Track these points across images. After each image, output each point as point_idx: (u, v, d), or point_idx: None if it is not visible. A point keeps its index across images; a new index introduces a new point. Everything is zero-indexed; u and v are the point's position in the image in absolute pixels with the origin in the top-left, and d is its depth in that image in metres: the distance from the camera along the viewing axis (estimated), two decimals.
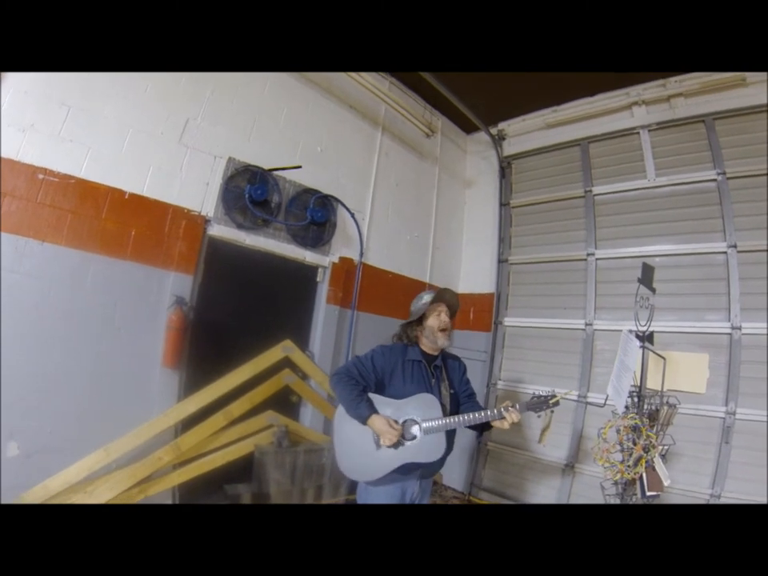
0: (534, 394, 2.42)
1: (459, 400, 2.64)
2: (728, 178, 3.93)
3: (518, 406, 2.34)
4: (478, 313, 5.12)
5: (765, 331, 3.57)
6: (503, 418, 2.30)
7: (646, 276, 2.81)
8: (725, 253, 3.84)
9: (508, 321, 4.91)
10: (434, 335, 2.55)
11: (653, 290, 2.76)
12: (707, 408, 3.64)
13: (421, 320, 2.59)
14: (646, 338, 2.73)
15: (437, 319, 2.57)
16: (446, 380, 2.57)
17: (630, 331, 2.75)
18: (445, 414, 2.37)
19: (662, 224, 4.18)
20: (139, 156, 3.13)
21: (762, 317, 3.59)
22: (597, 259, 4.44)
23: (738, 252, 3.78)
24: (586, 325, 4.35)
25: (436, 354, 2.60)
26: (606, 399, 2.78)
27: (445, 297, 2.64)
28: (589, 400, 4.20)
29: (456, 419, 2.33)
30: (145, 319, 3.10)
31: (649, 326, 2.73)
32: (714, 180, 3.99)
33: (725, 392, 3.65)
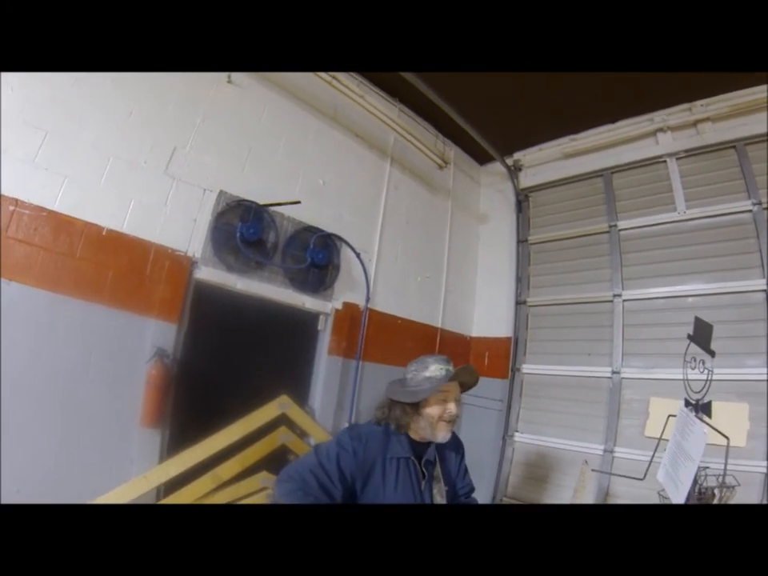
0: None
1: (456, 500, 2.08)
2: (764, 209, 3.47)
3: None
4: (494, 358, 4.59)
5: None
6: None
7: (702, 334, 2.30)
8: (764, 291, 3.35)
9: (526, 368, 4.37)
10: (432, 428, 1.92)
11: (711, 353, 2.26)
12: (746, 463, 3.10)
13: (417, 403, 1.92)
14: (702, 409, 2.26)
15: (441, 408, 1.93)
16: (440, 477, 1.96)
17: (689, 406, 2.26)
18: None
19: (695, 260, 3.69)
20: (120, 188, 2.70)
21: None
22: (624, 300, 3.93)
23: None
24: (613, 373, 3.82)
25: (428, 441, 1.97)
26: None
27: (461, 377, 2.00)
28: (615, 455, 3.66)
29: None
30: (122, 371, 2.63)
31: (705, 394, 2.26)
32: (750, 211, 3.53)
33: (766, 444, 3.14)
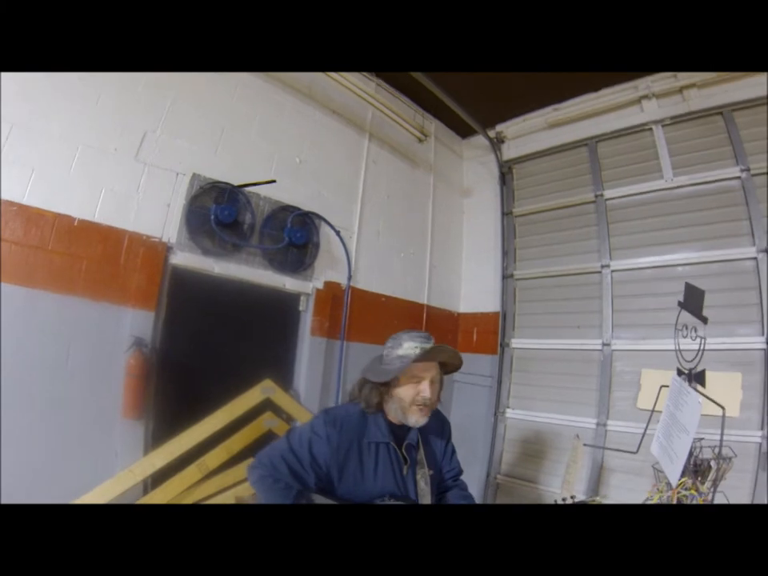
0: (555, 501, 1.75)
1: (442, 484, 1.89)
2: (753, 175, 3.29)
3: None
4: (483, 334, 4.42)
5: None
6: None
7: (693, 300, 2.15)
8: (755, 258, 3.20)
9: (516, 342, 4.21)
10: (403, 411, 1.74)
11: (704, 320, 2.10)
12: (741, 433, 2.98)
13: (388, 383, 1.74)
14: (696, 378, 2.12)
15: (413, 389, 1.74)
16: (424, 461, 1.79)
17: (681, 375, 2.12)
18: None
19: (684, 229, 3.52)
20: (90, 177, 2.57)
21: None
22: (612, 271, 3.77)
23: None
24: (603, 345, 3.68)
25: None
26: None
27: (437, 357, 1.80)
28: (608, 428, 3.54)
29: None
30: (102, 363, 2.53)
31: (698, 363, 2.12)
32: (738, 177, 3.36)
33: (761, 414, 3.02)
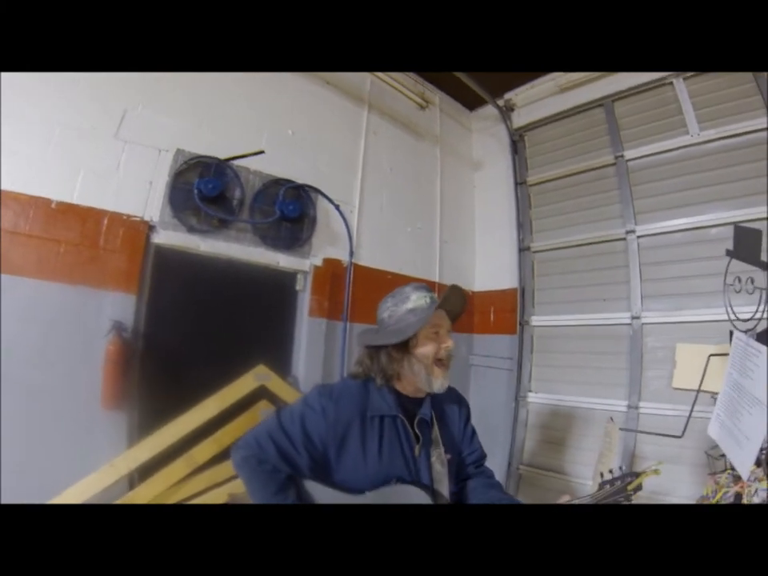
0: (602, 480, 1.29)
1: (463, 471, 1.52)
2: None
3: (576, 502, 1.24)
4: (500, 312, 3.93)
5: None
6: None
7: (747, 245, 1.64)
8: None
9: (536, 320, 3.70)
10: (427, 372, 1.44)
11: (763, 266, 1.59)
12: None
13: (406, 343, 1.44)
14: (759, 340, 1.58)
15: (434, 342, 1.45)
16: (439, 440, 1.47)
17: (745, 332, 1.59)
18: None
19: (715, 186, 2.99)
20: (68, 157, 2.34)
21: None
22: (638, 237, 3.24)
23: None
24: (632, 318, 3.16)
25: (422, 395, 1.50)
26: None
27: (451, 302, 1.54)
28: (641, 411, 3.02)
29: None
30: (81, 351, 2.28)
31: (759, 321, 1.59)
32: None
33: None
